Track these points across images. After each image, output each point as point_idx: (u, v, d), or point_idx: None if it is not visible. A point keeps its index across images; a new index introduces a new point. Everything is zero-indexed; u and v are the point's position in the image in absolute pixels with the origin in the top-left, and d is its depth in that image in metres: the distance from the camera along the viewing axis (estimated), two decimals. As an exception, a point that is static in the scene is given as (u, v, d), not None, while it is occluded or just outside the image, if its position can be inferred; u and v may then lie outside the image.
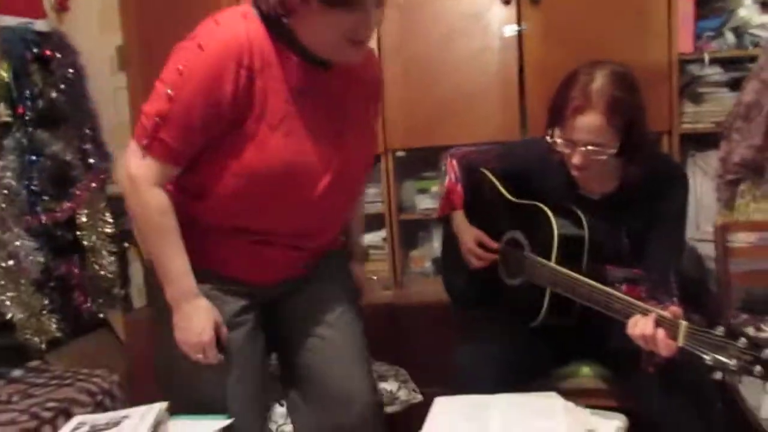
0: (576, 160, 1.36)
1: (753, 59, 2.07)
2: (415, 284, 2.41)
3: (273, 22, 1.12)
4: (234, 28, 1.12)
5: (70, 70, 2.49)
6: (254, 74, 1.12)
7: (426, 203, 2.41)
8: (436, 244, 2.51)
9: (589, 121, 1.32)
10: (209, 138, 1.14)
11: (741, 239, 1.74)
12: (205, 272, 1.23)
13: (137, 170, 1.15)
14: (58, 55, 2.45)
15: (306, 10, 1.07)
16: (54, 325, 2.28)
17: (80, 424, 1.23)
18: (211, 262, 1.25)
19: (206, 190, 1.19)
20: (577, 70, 1.38)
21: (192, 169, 1.19)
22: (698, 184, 2.20)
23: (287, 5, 1.08)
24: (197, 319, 1.21)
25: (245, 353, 1.29)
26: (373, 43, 2.23)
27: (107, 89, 2.67)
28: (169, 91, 1.10)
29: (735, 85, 2.14)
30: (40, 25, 2.42)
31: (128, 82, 2.50)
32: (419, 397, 1.74)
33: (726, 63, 2.16)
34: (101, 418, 1.26)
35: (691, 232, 2.13)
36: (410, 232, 2.54)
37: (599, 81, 1.32)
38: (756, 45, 2.12)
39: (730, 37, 2.16)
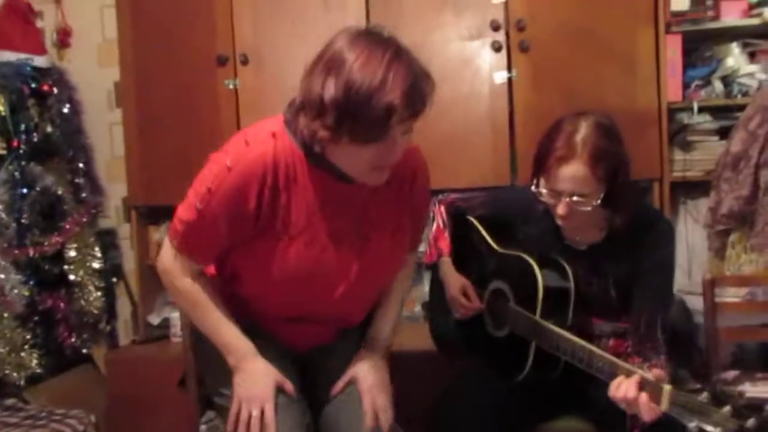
0: (561, 210, 1.36)
1: (741, 108, 2.09)
2: (404, 328, 2.38)
3: (303, 143, 1.19)
4: (261, 150, 1.19)
5: (67, 105, 2.51)
6: (278, 191, 1.20)
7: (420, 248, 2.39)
8: (427, 288, 2.48)
9: (572, 171, 1.31)
10: (235, 242, 1.24)
11: (730, 294, 1.72)
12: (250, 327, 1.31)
13: (170, 265, 1.28)
14: (56, 90, 2.48)
15: (336, 143, 1.13)
16: (35, 361, 2.26)
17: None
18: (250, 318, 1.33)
19: (236, 280, 1.30)
20: (561, 119, 1.38)
21: (223, 262, 1.31)
22: (689, 232, 2.20)
23: (318, 140, 1.14)
24: (260, 378, 1.26)
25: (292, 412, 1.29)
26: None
27: (103, 124, 2.70)
28: (198, 205, 1.20)
29: (724, 133, 2.15)
30: (39, 60, 2.45)
31: (124, 117, 2.51)
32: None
33: (715, 111, 2.18)
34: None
35: (683, 282, 2.12)
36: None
37: (583, 131, 1.32)
38: (744, 94, 2.14)
39: (718, 85, 2.18)
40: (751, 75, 2.15)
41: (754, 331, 1.64)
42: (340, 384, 1.34)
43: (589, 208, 1.34)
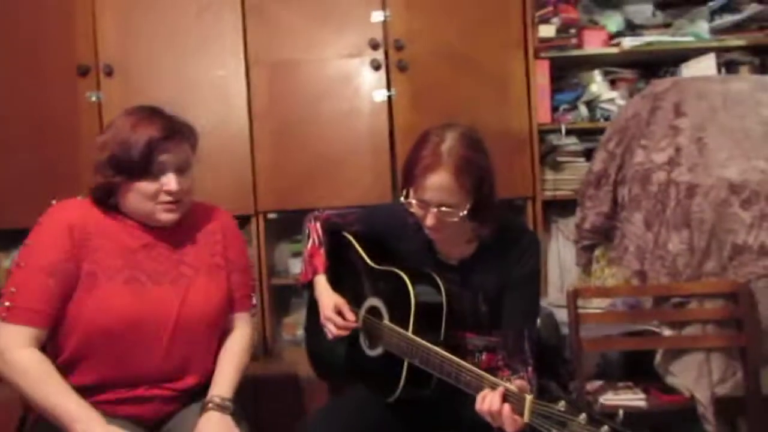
0: (429, 221, 1.35)
1: (603, 131, 2.22)
2: (286, 353, 2.29)
3: (103, 202, 1.37)
4: (65, 206, 1.37)
5: None
6: (89, 237, 1.33)
7: (299, 267, 2.30)
8: (306, 311, 2.42)
9: (439, 180, 1.31)
10: (62, 295, 1.30)
11: (594, 304, 1.80)
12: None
13: (2, 343, 1.26)
14: None
15: (118, 186, 1.33)
16: None
17: None
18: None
19: (66, 352, 1.31)
20: (428, 131, 1.39)
21: (52, 337, 1.32)
22: (561, 249, 2.29)
23: (106, 185, 1.33)
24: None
25: None
26: (243, 105, 2.20)
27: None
28: (21, 263, 1.31)
29: (589, 154, 2.27)
30: None
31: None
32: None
33: (581, 134, 2.31)
34: None
35: (555, 296, 2.19)
36: (283, 298, 2.43)
37: (449, 142, 1.33)
38: (606, 118, 2.28)
39: (583, 110, 2.32)
40: (611, 100, 2.30)
41: (615, 341, 1.71)
42: None
43: (456, 219, 1.34)
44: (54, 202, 1.39)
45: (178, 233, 1.42)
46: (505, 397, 1.13)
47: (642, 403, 1.65)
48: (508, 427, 1.11)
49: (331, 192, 2.21)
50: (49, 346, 1.33)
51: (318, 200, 2.19)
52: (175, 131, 1.35)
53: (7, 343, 1.26)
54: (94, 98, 2.18)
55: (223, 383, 1.40)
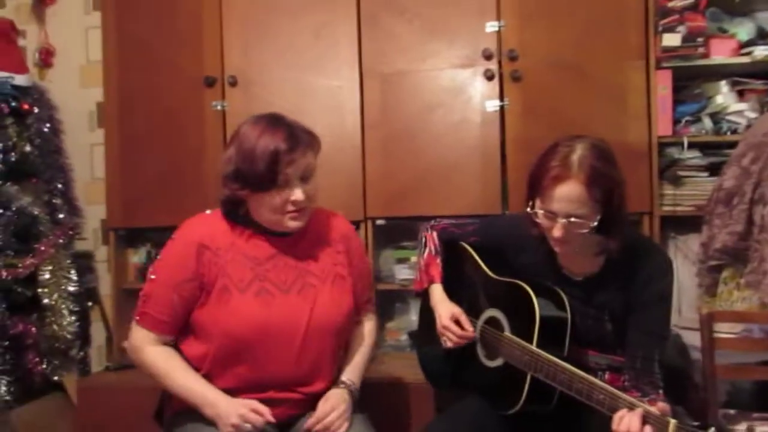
0: (556, 232, 1.33)
1: (730, 145, 2.10)
2: (389, 358, 2.32)
3: (232, 214, 1.43)
4: (196, 222, 1.46)
5: (47, 125, 2.46)
6: (218, 253, 1.41)
7: (404, 273, 2.35)
8: (413, 317, 2.43)
9: (569, 191, 1.29)
10: (185, 309, 1.41)
11: (726, 329, 1.69)
12: None
13: (135, 340, 1.43)
14: (36, 110, 2.43)
15: (246, 197, 1.39)
16: (3, 388, 2.15)
17: None
18: None
19: (208, 361, 1.40)
20: (557, 141, 1.37)
21: (188, 342, 1.44)
22: (679, 268, 2.18)
23: (233, 197, 1.39)
24: (225, 406, 1.35)
25: None
26: (356, 114, 2.26)
27: (84, 145, 2.65)
28: (152, 276, 1.43)
29: (713, 169, 2.15)
30: (20, 79, 2.41)
31: (105, 137, 2.45)
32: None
33: (704, 147, 2.18)
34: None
35: (673, 317, 2.08)
36: (387, 303, 2.47)
37: (579, 152, 1.31)
38: (733, 131, 2.15)
39: (707, 122, 2.20)
40: (739, 113, 2.17)
41: (751, 370, 1.60)
42: (311, 420, 1.41)
43: (585, 230, 1.31)
44: (188, 221, 1.47)
45: (302, 243, 1.47)
46: (645, 419, 1.09)
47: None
48: (647, 451, 1.07)
49: (439, 201, 2.22)
50: (189, 354, 1.43)
51: (426, 208, 2.21)
52: (299, 141, 1.37)
53: (141, 341, 1.42)
54: (219, 107, 2.32)
55: (353, 370, 1.53)
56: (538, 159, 1.38)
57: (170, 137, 2.36)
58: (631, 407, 1.11)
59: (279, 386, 1.41)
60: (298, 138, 1.37)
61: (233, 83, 2.31)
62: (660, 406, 1.09)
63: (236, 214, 1.43)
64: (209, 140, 2.32)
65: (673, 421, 1.04)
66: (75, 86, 2.68)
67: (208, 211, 1.50)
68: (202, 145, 2.32)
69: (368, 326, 1.64)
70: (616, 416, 1.12)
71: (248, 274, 1.41)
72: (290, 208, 1.38)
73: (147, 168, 2.37)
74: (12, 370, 2.19)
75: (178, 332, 1.44)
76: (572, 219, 1.30)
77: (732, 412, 1.61)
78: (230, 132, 2.28)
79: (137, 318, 1.43)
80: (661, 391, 1.31)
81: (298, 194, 1.37)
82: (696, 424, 1.02)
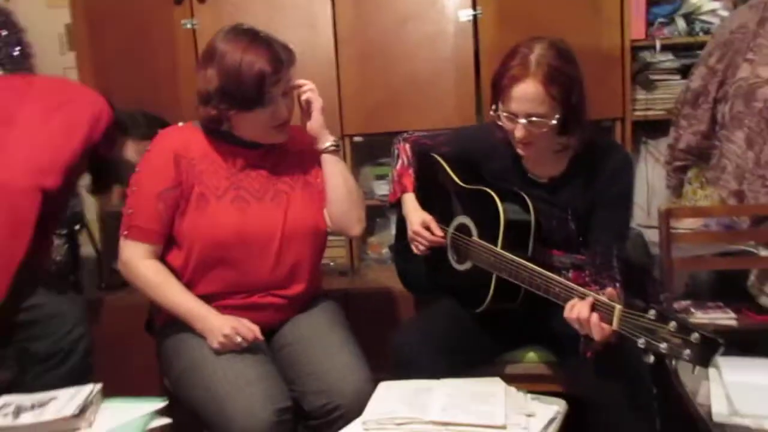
0: (518, 132, 1.37)
1: (702, 46, 2.09)
2: (371, 271, 2.41)
3: (214, 131, 1.47)
4: (170, 132, 1.51)
5: (17, 48, 2.41)
6: (194, 162, 1.45)
7: (383, 189, 2.39)
8: (393, 231, 2.49)
9: (526, 89, 1.32)
10: (170, 216, 1.45)
11: (686, 225, 1.77)
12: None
13: (125, 256, 1.47)
14: (4, 33, 2.37)
15: (232, 115, 1.42)
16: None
17: (6, 405, 1.21)
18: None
19: (189, 268, 1.46)
20: (517, 44, 1.39)
21: (168, 253, 1.48)
22: (650, 171, 2.23)
23: (219, 116, 1.42)
24: (216, 320, 1.41)
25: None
26: (328, 28, 2.22)
27: (56, 68, 2.59)
28: (133, 188, 1.47)
29: (686, 72, 2.16)
30: (-17, 1, 2.33)
31: (77, 61, 2.41)
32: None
33: (677, 50, 2.18)
34: (27, 399, 1.23)
35: (642, 219, 2.17)
36: (368, 218, 2.51)
37: (537, 51, 1.33)
38: (706, 32, 2.14)
39: (681, 23, 2.18)
40: (713, 12, 2.15)
41: (708, 261, 1.69)
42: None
43: (545, 130, 1.35)
44: (162, 132, 1.51)
45: (272, 154, 1.53)
46: (594, 307, 1.17)
47: (733, 322, 1.65)
48: (596, 335, 1.16)
49: (415, 115, 2.23)
50: (173, 265, 1.47)
51: (403, 123, 2.21)
52: (281, 61, 1.40)
53: (131, 255, 1.46)
54: (189, 26, 2.28)
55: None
56: (500, 63, 1.40)
57: (142, 58, 2.33)
58: (582, 297, 1.19)
59: (261, 290, 1.49)
60: (280, 57, 1.41)
61: (202, 0, 2.25)
62: (609, 292, 1.17)
63: (218, 131, 1.47)
64: (181, 60, 2.30)
65: (618, 307, 1.12)
66: (42, 6, 2.60)
67: (180, 124, 1.54)
68: (174, 66, 2.30)
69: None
70: (568, 304, 1.21)
71: (223, 182, 1.46)
72: (274, 123, 1.44)
73: (121, 90, 2.33)
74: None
75: (166, 241, 1.48)
76: (533, 119, 1.34)
77: (688, 302, 1.71)
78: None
79: (125, 233, 1.46)
80: (618, 284, 1.38)
81: (282, 110, 1.43)
82: (639, 307, 1.09)
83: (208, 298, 1.46)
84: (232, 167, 1.48)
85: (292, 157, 1.57)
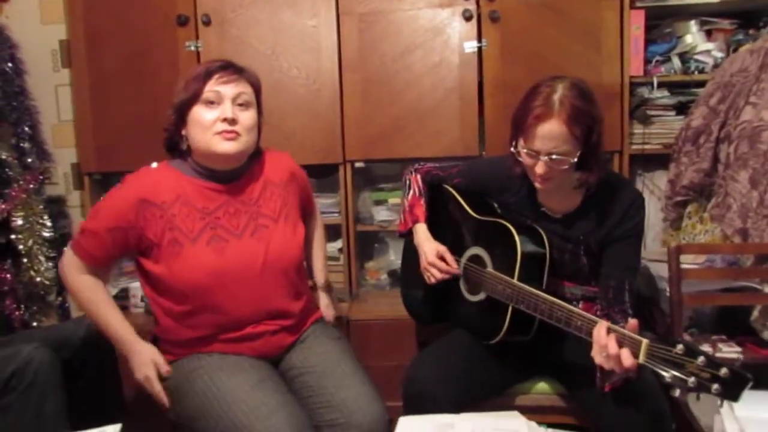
0: (539, 169, 1.39)
1: (697, 84, 2.17)
2: (371, 296, 2.39)
3: (175, 152, 1.48)
4: (139, 176, 1.47)
5: (8, 64, 2.35)
6: (164, 206, 1.42)
7: (383, 215, 2.40)
8: (392, 257, 2.50)
9: (550, 129, 1.35)
10: (117, 251, 1.45)
11: (690, 260, 1.80)
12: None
13: (66, 261, 1.48)
14: (-5, 49, 2.32)
15: (182, 119, 1.43)
16: (-19, 335, 2.14)
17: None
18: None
19: (178, 315, 1.45)
20: (538, 83, 1.42)
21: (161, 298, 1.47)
22: (646, 204, 2.27)
23: (170, 129, 1.45)
24: (138, 358, 1.45)
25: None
26: (333, 55, 2.24)
27: (48, 86, 2.54)
28: (92, 214, 1.47)
29: (681, 108, 2.24)
30: (-25, 17, 2.28)
31: (73, 78, 2.37)
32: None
33: (672, 87, 2.26)
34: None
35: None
36: (366, 244, 2.52)
37: (560, 92, 1.36)
38: (701, 71, 2.22)
39: (676, 62, 2.26)
40: (707, 52, 2.23)
41: (717, 297, 1.74)
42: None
43: (566, 167, 1.37)
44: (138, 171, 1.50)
45: (251, 187, 1.51)
46: (620, 341, 1.18)
47: (737, 356, 1.68)
48: (624, 368, 1.16)
49: (418, 143, 2.25)
50: (164, 307, 1.47)
51: (405, 151, 2.24)
52: (233, 67, 1.44)
53: (70, 265, 1.48)
54: (192, 48, 2.26)
55: (319, 270, 1.75)
56: (521, 100, 1.42)
57: (142, 79, 2.30)
58: (608, 331, 1.20)
59: (252, 322, 1.46)
60: (236, 66, 1.45)
61: (207, 22, 2.25)
62: (632, 323, 1.19)
63: (179, 152, 1.47)
64: (183, 82, 2.27)
65: (645, 341, 1.14)
66: (35, 23, 2.55)
67: (153, 164, 1.50)
68: (175, 87, 2.27)
69: (316, 219, 1.79)
70: (595, 338, 1.21)
71: (198, 223, 1.43)
72: (220, 127, 1.39)
73: (119, 111, 2.32)
74: (-10, 317, 2.19)
75: (110, 268, 1.54)
76: (554, 156, 1.36)
77: (694, 330, 1.74)
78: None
79: (72, 243, 1.48)
80: (630, 319, 1.40)
81: (227, 110, 1.39)
82: (667, 341, 1.10)
83: (201, 341, 1.45)
84: (208, 206, 1.45)
85: (273, 188, 1.54)
